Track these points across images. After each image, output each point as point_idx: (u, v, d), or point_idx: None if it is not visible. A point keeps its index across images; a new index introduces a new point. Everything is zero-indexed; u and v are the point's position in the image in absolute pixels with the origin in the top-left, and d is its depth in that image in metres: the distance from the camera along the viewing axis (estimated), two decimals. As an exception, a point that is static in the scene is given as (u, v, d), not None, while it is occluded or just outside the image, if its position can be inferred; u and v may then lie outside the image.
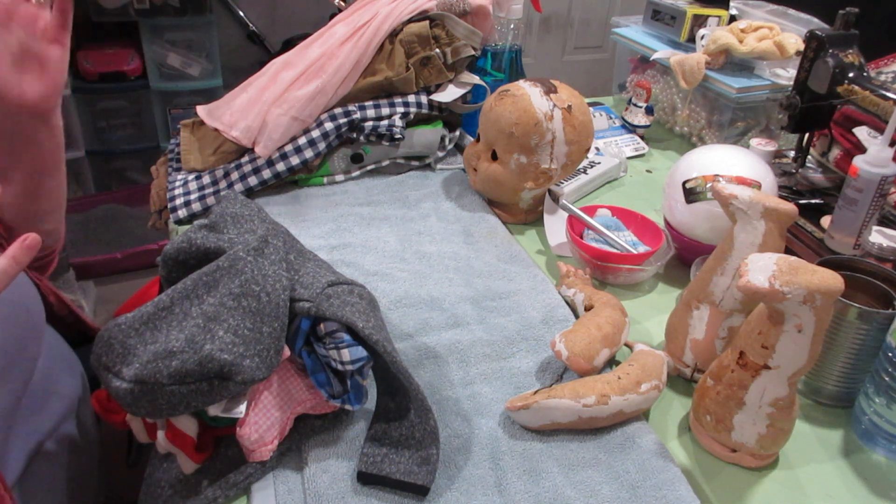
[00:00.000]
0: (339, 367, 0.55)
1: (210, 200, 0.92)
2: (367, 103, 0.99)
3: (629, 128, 1.21)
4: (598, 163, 1.07)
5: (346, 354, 0.54)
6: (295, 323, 0.55)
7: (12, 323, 0.55)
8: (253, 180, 0.94)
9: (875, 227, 0.80)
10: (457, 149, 1.10)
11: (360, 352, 0.54)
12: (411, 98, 1.01)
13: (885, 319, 0.62)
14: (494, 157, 0.90)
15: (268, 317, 0.52)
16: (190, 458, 0.54)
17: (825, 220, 0.87)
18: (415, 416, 0.58)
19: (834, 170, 1.01)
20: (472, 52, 1.03)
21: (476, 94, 1.07)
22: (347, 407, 0.57)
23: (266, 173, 0.95)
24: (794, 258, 0.53)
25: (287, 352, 0.54)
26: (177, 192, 0.94)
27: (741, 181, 0.78)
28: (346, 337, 0.54)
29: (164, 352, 0.49)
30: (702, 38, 1.14)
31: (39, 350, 0.60)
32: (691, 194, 0.81)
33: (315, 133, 0.96)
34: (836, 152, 1.01)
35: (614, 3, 2.85)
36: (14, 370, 0.55)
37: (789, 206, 0.61)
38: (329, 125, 0.96)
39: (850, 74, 0.85)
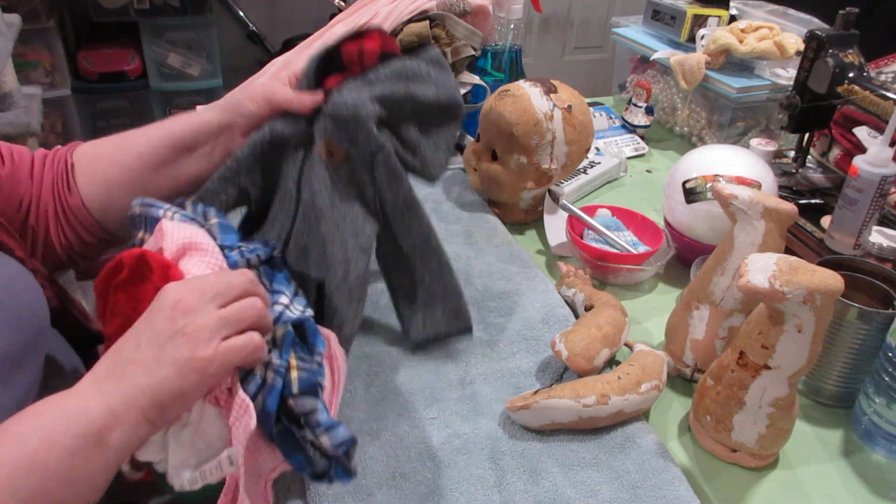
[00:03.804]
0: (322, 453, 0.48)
1: (210, 200, 0.92)
2: (367, 103, 0.99)
3: (629, 128, 1.22)
4: (598, 163, 1.07)
5: (325, 441, 0.46)
6: (259, 399, 0.47)
7: (18, 325, 0.55)
8: (253, 180, 0.94)
9: (875, 227, 0.80)
10: (457, 149, 1.10)
11: (342, 433, 0.46)
12: (411, 98, 1.01)
13: (885, 319, 0.62)
14: (494, 157, 0.90)
15: None
16: None
17: (825, 220, 0.87)
18: (432, 282, 0.61)
19: (834, 170, 1.01)
20: (472, 52, 1.03)
21: (476, 94, 1.07)
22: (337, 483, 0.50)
23: (266, 173, 0.94)
24: (794, 258, 0.53)
25: (252, 422, 0.45)
26: (177, 192, 0.94)
27: (741, 181, 0.78)
28: (323, 418, 0.47)
29: None
30: (702, 38, 1.14)
31: (45, 353, 0.60)
32: (691, 194, 0.81)
33: (315, 133, 0.96)
34: (836, 152, 1.01)
35: (614, 3, 2.85)
36: (21, 372, 0.55)
37: (789, 206, 0.62)
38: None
39: (850, 74, 0.85)
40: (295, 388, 0.47)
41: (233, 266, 0.52)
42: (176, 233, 0.51)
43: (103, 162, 0.63)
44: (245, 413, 0.44)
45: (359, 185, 0.59)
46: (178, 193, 0.63)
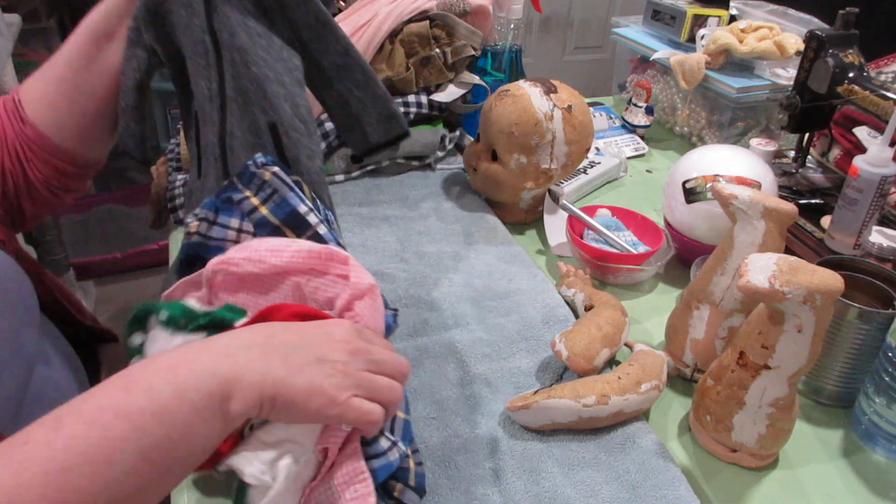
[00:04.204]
0: None
1: (210, 200, 0.92)
2: (367, 103, 0.99)
3: (629, 128, 1.22)
4: (598, 163, 1.07)
5: None
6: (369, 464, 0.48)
7: (8, 314, 0.55)
8: (253, 180, 0.94)
9: (875, 227, 0.80)
10: (457, 149, 1.10)
11: None
12: (411, 98, 1.01)
13: (885, 319, 0.62)
14: (494, 157, 0.90)
15: None
16: None
17: (825, 220, 0.87)
18: (361, 93, 0.62)
19: (834, 170, 1.01)
20: (472, 52, 1.03)
21: (476, 94, 1.07)
22: None
23: (266, 173, 0.94)
24: (794, 258, 0.53)
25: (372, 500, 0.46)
26: (177, 192, 0.94)
27: (741, 181, 0.78)
28: None
29: None
30: (702, 38, 1.14)
31: (38, 342, 0.60)
32: (691, 194, 0.81)
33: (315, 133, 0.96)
34: (836, 152, 1.01)
35: (614, 3, 2.85)
36: (14, 360, 0.55)
37: (789, 206, 0.62)
38: (329, 125, 0.96)
39: (850, 74, 0.85)
40: (412, 481, 0.49)
41: (388, 328, 0.53)
42: (364, 274, 0.51)
43: (41, 84, 0.64)
44: (362, 483, 0.45)
45: (268, 15, 0.58)
46: (116, 88, 0.63)
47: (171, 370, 0.40)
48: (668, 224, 0.87)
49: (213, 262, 0.50)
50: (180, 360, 0.41)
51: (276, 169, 0.53)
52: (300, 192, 0.53)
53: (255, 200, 0.52)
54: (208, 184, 0.56)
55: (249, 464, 0.44)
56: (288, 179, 0.53)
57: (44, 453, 0.35)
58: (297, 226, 0.52)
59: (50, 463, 0.34)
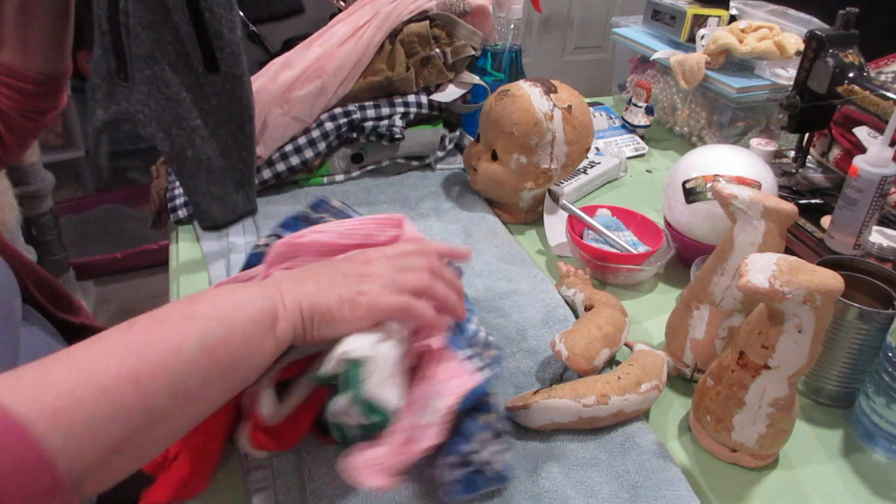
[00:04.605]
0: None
1: (210, 200, 0.92)
2: (367, 103, 0.99)
3: (629, 128, 1.22)
4: (598, 163, 1.07)
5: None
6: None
7: None
8: (253, 180, 0.94)
9: (875, 227, 0.80)
10: (457, 149, 1.10)
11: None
12: (411, 98, 1.01)
13: (885, 319, 0.62)
14: (494, 157, 0.90)
15: None
16: (251, 437, 0.53)
17: (825, 220, 0.87)
18: None
19: (834, 170, 1.01)
20: (473, 52, 1.03)
21: (476, 94, 1.07)
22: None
23: (266, 173, 0.95)
24: (794, 258, 0.53)
25: (470, 383, 0.53)
26: (177, 191, 0.94)
27: (741, 181, 0.78)
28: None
29: None
30: (702, 38, 1.15)
31: (18, 336, 0.59)
32: (691, 194, 0.81)
33: (315, 133, 0.96)
34: (836, 152, 1.01)
35: (614, 3, 2.85)
36: None
37: (789, 206, 0.62)
38: (329, 125, 0.96)
39: (850, 74, 0.85)
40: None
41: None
42: (412, 228, 0.60)
43: None
44: (465, 373, 0.53)
45: None
46: None
47: (229, 290, 0.47)
48: (668, 224, 0.87)
49: (280, 242, 0.57)
50: (235, 287, 0.48)
51: (342, 201, 0.65)
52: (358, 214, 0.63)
53: (326, 217, 0.63)
54: (96, 56, 0.59)
55: (354, 345, 0.48)
56: (350, 207, 0.65)
57: (119, 344, 0.40)
58: None
59: (124, 348, 0.39)
